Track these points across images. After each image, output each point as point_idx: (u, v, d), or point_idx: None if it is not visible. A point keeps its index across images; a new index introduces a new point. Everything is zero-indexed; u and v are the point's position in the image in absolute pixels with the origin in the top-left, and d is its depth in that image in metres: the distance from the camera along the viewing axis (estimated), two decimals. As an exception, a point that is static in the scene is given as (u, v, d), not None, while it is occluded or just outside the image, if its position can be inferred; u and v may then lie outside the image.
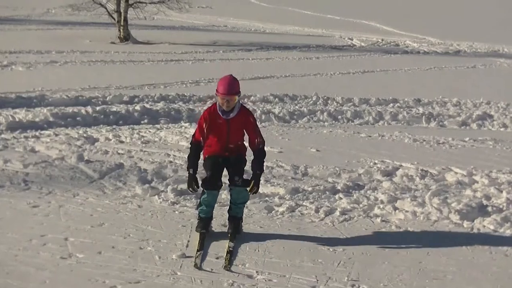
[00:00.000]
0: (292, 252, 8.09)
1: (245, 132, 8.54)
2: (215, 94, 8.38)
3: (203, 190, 8.44)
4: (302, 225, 9.10)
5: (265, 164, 11.82)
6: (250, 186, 8.36)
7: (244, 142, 8.64)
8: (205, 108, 8.73)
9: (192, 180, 8.31)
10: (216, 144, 8.43)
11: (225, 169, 8.54)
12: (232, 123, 8.37)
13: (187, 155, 8.55)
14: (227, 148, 8.45)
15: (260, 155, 8.46)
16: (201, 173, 8.61)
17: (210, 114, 8.38)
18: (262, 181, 10.83)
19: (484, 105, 20.02)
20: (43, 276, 7.15)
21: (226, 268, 7.51)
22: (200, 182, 8.41)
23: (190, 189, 8.35)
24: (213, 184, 8.37)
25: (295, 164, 12.21)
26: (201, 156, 8.55)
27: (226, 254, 7.84)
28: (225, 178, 8.58)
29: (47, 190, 10.16)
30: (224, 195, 9.80)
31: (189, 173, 8.36)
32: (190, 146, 8.51)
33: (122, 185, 10.61)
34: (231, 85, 8.26)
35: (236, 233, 8.47)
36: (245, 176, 8.47)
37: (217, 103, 8.38)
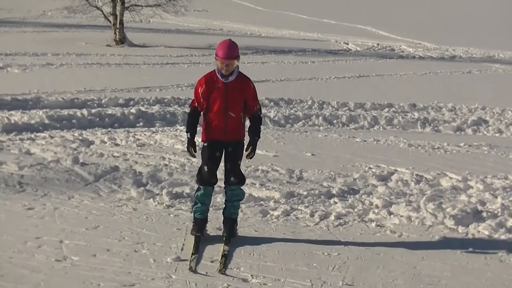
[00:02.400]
0: (287, 256, 8.09)
1: (243, 105, 8.49)
2: (214, 58, 8.38)
3: (198, 187, 8.45)
4: (297, 229, 9.10)
5: (260, 168, 11.92)
6: (248, 151, 8.33)
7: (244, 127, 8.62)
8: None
9: (190, 144, 8.36)
10: (214, 118, 8.36)
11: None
12: (230, 87, 8.32)
13: (186, 121, 8.56)
14: (226, 121, 8.36)
15: (257, 121, 8.47)
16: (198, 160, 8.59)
17: (206, 79, 8.38)
18: (257, 184, 10.92)
19: (479, 111, 20.03)
20: (38, 278, 7.14)
21: (221, 272, 7.51)
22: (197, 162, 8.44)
23: (189, 152, 8.38)
24: (208, 180, 8.39)
25: (290, 168, 12.21)
26: (198, 142, 8.54)
27: (221, 258, 7.84)
28: (221, 183, 8.58)
29: (42, 192, 10.15)
30: (219, 198, 9.81)
31: (187, 137, 8.42)
32: (188, 114, 8.56)
33: (117, 188, 10.61)
34: (231, 49, 8.28)
35: (231, 236, 8.47)
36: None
37: (216, 68, 8.37)
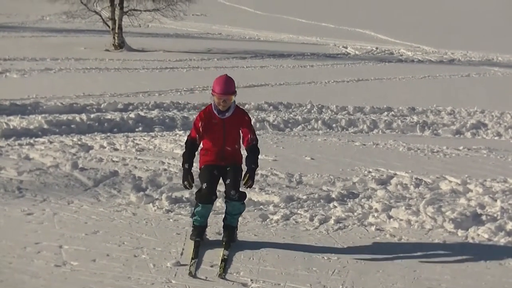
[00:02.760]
0: (286, 260, 8.09)
1: (241, 135, 8.51)
2: (211, 94, 8.36)
3: (196, 203, 8.43)
4: (296, 233, 9.10)
5: (259, 172, 11.92)
6: (245, 180, 8.25)
7: (241, 150, 8.61)
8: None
9: (187, 175, 8.23)
10: (212, 149, 8.38)
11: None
12: (227, 123, 8.32)
13: (182, 153, 8.49)
14: (223, 152, 8.39)
15: (254, 150, 8.40)
16: (196, 181, 8.57)
17: (205, 114, 8.36)
18: (256, 189, 10.93)
19: (478, 114, 20.05)
20: (37, 284, 7.13)
21: (220, 276, 7.50)
22: (194, 187, 8.40)
23: (185, 183, 8.26)
24: (207, 198, 8.33)
25: (289, 172, 12.22)
26: (196, 165, 8.53)
27: (221, 262, 7.83)
28: (220, 186, 8.57)
29: (41, 197, 10.15)
30: (219, 203, 9.80)
31: (184, 168, 8.28)
32: (185, 144, 8.48)
33: (116, 193, 10.60)
34: (228, 85, 8.24)
35: (230, 241, 8.46)
36: (241, 189, 8.44)
37: (212, 103, 8.36)
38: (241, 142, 8.54)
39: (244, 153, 8.49)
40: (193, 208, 8.67)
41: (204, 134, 8.34)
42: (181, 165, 8.42)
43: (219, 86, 8.21)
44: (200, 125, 8.32)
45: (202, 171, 8.44)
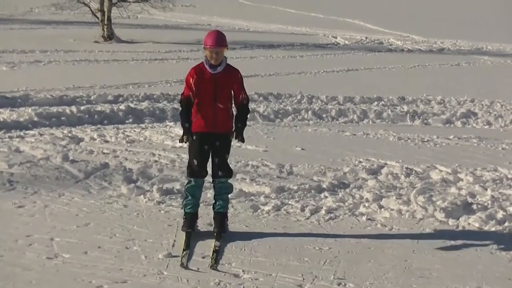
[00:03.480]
0: (278, 251, 8.10)
1: (232, 94, 8.53)
2: (203, 48, 8.39)
3: (188, 180, 8.45)
4: (287, 224, 9.11)
5: (250, 163, 11.93)
6: (234, 137, 8.34)
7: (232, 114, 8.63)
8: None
9: (188, 133, 8.24)
10: (203, 109, 8.36)
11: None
12: (218, 78, 8.34)
13: (179, 112, 8.47)
14: (214, 112, 8.37)
15: (243, 110, 8.47)
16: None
17: (196, 70, 8.38)
18: (247, 179, 10.94)
19: (468, 103, 20.09)
20: (29, 276, 7.12)
21: (212, 268, 7.51)
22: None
23: (184, 137, 8.26)
24: (199, 173, 8.41)
25: (280, 163, 12.22)
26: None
27: (212, 253, 7.83)
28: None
29: (32, 190, 10.13)
30: (210, 194, 9.79)
31: (184, 126, 8.26)
32: (180, 104, 8.49)
33: (107, 185, 10.59)
34: (219, 37, 8.32)
35: (222, 232, 8.46)
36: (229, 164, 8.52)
37: (204, 59, 8.39)
38: (231, 110, 8.59)
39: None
40: (183, 198, 8.68)
41: (196, 91, 8.33)
42: (180, 125, 8.39)
43: (211, 39, 8.28)
44: (192, 81, 8.33)
45: (192, 145, 8.44)
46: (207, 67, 8.36)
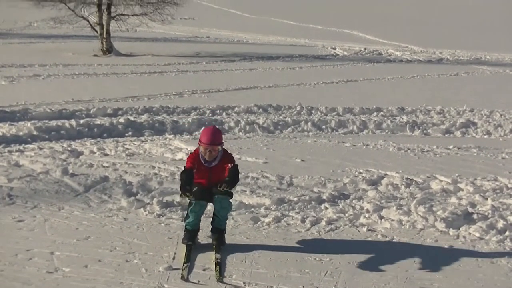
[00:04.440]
0: (279, 262, 8.09)
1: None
2: (198, 143, 8.46)
3: (190, 202, 8.44)
4: (288, 236, 9.10)
5: (250, 175, 11.92)
6: (222, 185, 8.24)
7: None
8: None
9: (189, 190, 8.22)
10: (199, 179, 8.45)
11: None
12: (214, 170, 8.45)
13: (180, 179, 8.42)
14: (209, 184, 8.48)
15: (232, 169, 8.38)
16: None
17: (194, 158, 8.46)
18: (247, 191, 10.94)
19: (467, 113, 20.12)
20: (29, 291, 7.12)
21: (219, 280, 7.48)
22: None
23: (187, 193, 8.21)
24: (201, 195, 8.39)
25: (280, 175, 12.21)
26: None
27: (215, 266, 7.82)
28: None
29: (32, 204, 10.11)
30: (210, 206, 9.77)
31: (185, 188, 8.19)
32: (181, 174, 8.43)
33: (107, 198, 10.58)
34: (214, 136, 8.34)
35: (220, 244, 8.45)
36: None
37: (200, 152, 8.44)
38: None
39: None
40: (185, 212, 8.67)
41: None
42: (179, 189, 8.37)
43: (206, 137, 8.33)
44: (192, 163, 8.40)
45: (190, 203, 8.50)
46: (202, 161, 8.43)
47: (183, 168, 8.50)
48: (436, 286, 7.54)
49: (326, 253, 8.43)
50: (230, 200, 8.58)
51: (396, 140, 16.14)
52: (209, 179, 8.44)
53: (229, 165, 8.39)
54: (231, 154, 8.64)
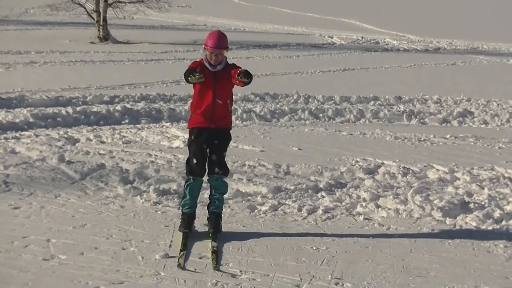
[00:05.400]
0: (275, 251, 8.08)
1: (232, 92, 8.59)
2: (203, 48, 8.41)
3: (188, 178, 8.43)
4: (285, 224, 9.09)
5: (247, 163, 11.93)
6: (240, 75, 8.05)
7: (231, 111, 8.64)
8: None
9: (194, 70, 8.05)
10: (202, 104, 8.35)
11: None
12: (218, 75, 8.34)
13: (184, 74, 8.15)
14: (213, 108, 8.35)
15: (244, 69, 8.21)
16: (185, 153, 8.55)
17: (196, 63, 8.38)
18: (244, 180, 10.93)
19: (464, 102, 20.13)
20: (26, 278, 7.09)
21: (216, 268, 7.46)
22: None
23: (197, 74, 8.00)
24: (198, 172, 8.41)
25: (277, 163, 12.20)
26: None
27: (212, 254, 7.80)
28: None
29: (28, 191, 10.09)
30: (207, 194, 9.76)
31: (194, 72, 7.99)
32: (185, 72, 8.13)
33: (104, 186, 10.56)
34: (221, 39, 8.31)
35: (216, 232, 8.43)
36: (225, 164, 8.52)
37: (204, 57, 8.41)
38: (231, 108, 8.61)
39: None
40: (181, 198, 8.66)
41: (196, 84, 8.30)
42: (185, 76, 8.11)
43: (212, 40, 8.28)
44: (195, 65, 8.33)
45: (191, 143, 8.44)
46: (206, 64, 8.36)
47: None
48: (432, 275, 7.53)
49: (323, 241, 8.42)
50: (225, 179, 8.56)
51: (393, 129, 16.14)
52: (214, 85, 8.31)
53: (239, 69, 8.25)
54: (236, 65, 8.53)
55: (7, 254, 7.71)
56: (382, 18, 56.92)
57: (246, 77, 8.08)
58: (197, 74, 8.02)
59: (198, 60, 8.55)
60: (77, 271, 7.28)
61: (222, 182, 8.55)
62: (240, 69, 8.22)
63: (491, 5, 73.56)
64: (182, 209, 8.58)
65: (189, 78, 8.11)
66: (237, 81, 8.21)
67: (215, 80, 8.33)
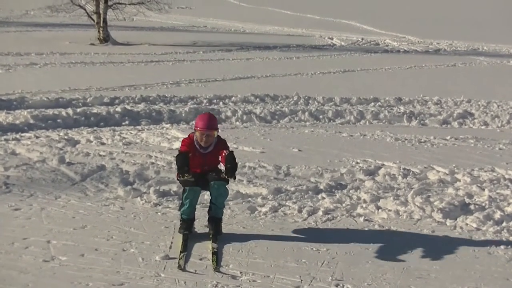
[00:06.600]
0: (275, 252, 8.08)
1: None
2: (194, 130, 8.50)
3: (184, 189, 8.42)
4: (285, 225, 9.09)
5: (247, 164, 11.92)
6: (225, 173, 8.25)
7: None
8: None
9: (188, 170, 8.14)
10: (193, 166, 8.42)
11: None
12: (208, 156, 8.50)
13: (175, 162, 8.34)
14: (203, 170, 8.53)
15: (229, 156, 8.32)
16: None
17: (189, 143, 8.47)
18: (244, 181, 10.92)
19: (464, 103, 20.12)
20: (26, 279, 7.09)
21: (216, 270, 7.47)
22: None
23: (186, 174, 8.14)
24: (196, 181, 8.38)
25: (277, 164, 12.20)
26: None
27: (212, 256, 7.80)
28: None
29: (28, 193, 10.09)
30: (207, 195, 9.75)
31: (184, 169, 8.12)
32: (176, 157, 8.36)
33: (104, 187, 10.56)
34: (211, 121, 8.42)
35: (217, 234, 8.43)
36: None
37: (195, 137, 8.46)
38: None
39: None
40: (180, 201, 8.65)
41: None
42: (178, 168, 8.27)
43: (202, 122, 8.38)
44: (187, 147, 8.42)
45: (184, 190, 8.48)
46: (197, 147, 8.44)
47: (178, 153, 8.47)
48: (433, 277, 7.53)
49: (323, 243, 8.42)
50: (227, 186, 8.57)
51: (393, 131, 16.13)
52: (203, 166, 8.48)
53: (225, 151, 8.37)
54: (225, 141, 8.68)
55: (7, 256, 7.71)
56: (382, 19, 56.92)
57: (231, 175, 8.24)
58: (186, 175, 8.19)
59: (188, 136, 8.60)
60: (77, 273, 7.28)
61: (222, 191, 8.51)
62: (225, 152, 8.36)
63: (491, 6, 73.56)
64: (181, 215, 8.58)
65: (179, 178, 8.44)
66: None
67: (205, 159, 8.51)
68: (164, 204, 9.81)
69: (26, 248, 7.95)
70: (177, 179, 8.56)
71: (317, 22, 55.49)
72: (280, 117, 17.50)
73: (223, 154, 8.35)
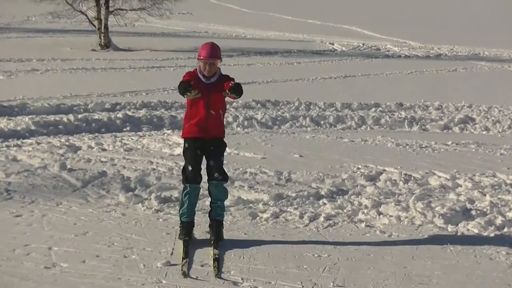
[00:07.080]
0: (277, 258, 8.07)
1: (225, 102, 8.62)
2: (197, 59, 8.48)
3: (184, 188, 8.42)
4: (286, 231, 9.08)
5: (248, 170, 11.92)
6: (230, 89, 8.11)
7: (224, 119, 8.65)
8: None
9: (192, 87, 8.08)
10: (196, 115, 8.42)
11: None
12: (212, 87, 8.38)
13: (178, 90, 8.24)
14: (207, 118, 8.41)
15: (236, 83, 8.21)
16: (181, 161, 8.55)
17: (191, 75, 8.44)
18: (245, 187, 10.91)
19: (466, 109, 20.12)
20: (27, 286, 7.09)
21: (217, 276, 7.46)
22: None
23: (192, 91, 8.07)
24: (194, 179, 8.39)
25: (278, 170, 12.20)
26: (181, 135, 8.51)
27: (214, 262, 7.79)
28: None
29: (29, 199, 10.09)
30: (208, 201, 9.75)
31: (188, 88, 8.05)
32: (179, 84, 8.22)
33: (105, 193, 10.56)
34: (214, 49, 8.38)
35: (218, 239, 8.43)
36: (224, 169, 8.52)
37: (198, 69, 8.45)
38: (224, 118, 8.66)
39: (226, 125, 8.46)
40: (180, 204, 8.64)
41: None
42: (180, 87, 8.17)
43: (205, 50, 8.35)
44: (189, 76, 8.39)
45: (186, 151, 8.51)
46: (200, 76, 8.39)
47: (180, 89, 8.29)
48: (434, 283, 7.53)
49: (325, 249, 8.41)
50: (225, 186, 8.57)
51: (394, 136, 16.14)
52: (207, 97, 8.32)
53: (231, 82, 8.25)
54: (230, 77, 8.55)
55: (8, 262, 7.71)
56: (383, 24, 56.95)
57: (236, 92, 8.14)
58: (192, 90, 8.09)
59: (192, 70, 8.58)
60: (78, 279, 7.28)
61: (222, 189, 8.54)
62: (232, 82, 8.25)
63: (492, 11, 73.61)
64: (180, 218, 8.58)
65: (185, 96, 8.19)
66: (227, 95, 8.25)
67: (209, 92, 8.36)
68: (166, 210, 9.81)
69: (27, 254, 7.94)
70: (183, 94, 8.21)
71: (318, 27, 55.55)
72: (281, 122, 17.50)
73: (230, 83, 8.20)
